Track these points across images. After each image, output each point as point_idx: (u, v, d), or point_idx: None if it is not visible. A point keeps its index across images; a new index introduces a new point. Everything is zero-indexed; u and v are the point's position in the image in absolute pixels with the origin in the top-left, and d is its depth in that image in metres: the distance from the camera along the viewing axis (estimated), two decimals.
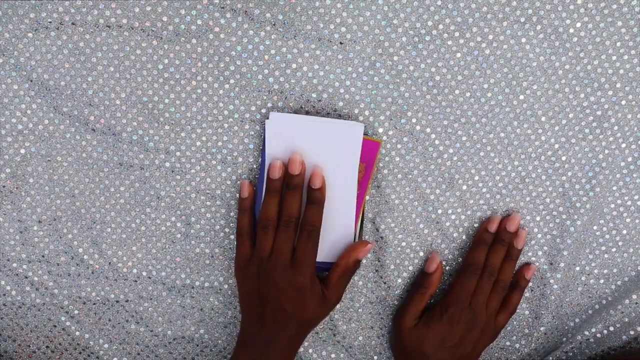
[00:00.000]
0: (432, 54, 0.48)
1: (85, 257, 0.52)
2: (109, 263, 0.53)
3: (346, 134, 0.47)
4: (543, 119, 0.50)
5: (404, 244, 0.53)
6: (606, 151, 0.51)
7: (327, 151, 0.47)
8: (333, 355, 0.56)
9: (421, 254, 0.53)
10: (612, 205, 0.52)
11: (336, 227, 0.49)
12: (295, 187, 0.46)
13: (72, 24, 0.47)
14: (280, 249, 0.45)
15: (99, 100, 0.49)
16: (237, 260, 0.48)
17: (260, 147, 0.50)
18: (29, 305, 0.53)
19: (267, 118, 0.49)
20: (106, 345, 0.55)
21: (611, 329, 0.54)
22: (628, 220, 0.53)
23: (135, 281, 0.53)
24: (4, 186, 0.50)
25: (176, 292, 0.54)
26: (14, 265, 0.52)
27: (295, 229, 0.46)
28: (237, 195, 0.51)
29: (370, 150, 0.48)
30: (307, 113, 0.49)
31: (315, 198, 0.46)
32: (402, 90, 0.49)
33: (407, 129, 0.50)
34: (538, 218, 0.52)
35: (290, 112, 0.49)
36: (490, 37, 0.48)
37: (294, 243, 0.46)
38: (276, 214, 0.46)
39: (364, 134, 0.49)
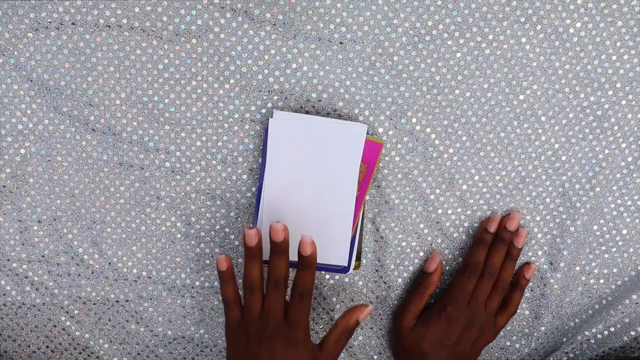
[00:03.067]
0: (432, 54, 0.48)
1: (85, 257, 0.52)
2: (109, 263, 0.53)
3: (349, 135, 0.47)
4: (543, 119, 0.50)
5: (404, 244, 0.53)
6: (606, 151, 0.51)
7: (329, 151, 0.47)
8: None
9: (421, 254, 0.53)
10: (612, 205, 0.52)
11: (334, 228, 0.49)
12: (282, 252, 0.44)
13: (72, 24, 0.47)
14: (272, 307, 0.45)
15: (99, 100, 0.49)
16: (227, 325, 0.47)
17: (261, 147, 0.50)
18: (29, 305, 0.53)
19: (270, 117, 0.49)
20: (106, 345, 0.55)
21: (612, 329, 0.54)
22: (628, 220, 0.53)
23: (135, 281, 0.53)
24: (4, 186, 0.50)
25: (176, 292, 0.54)
26: (14, 265, 0.52)
27: (285, 286, 0.45)
28: (237, 196, 0.51)
29: (372, 152, 0.48)
30: (307, 113, 0.49)
31: (306, 263, 0.44)
32: (402, 90, 0.49)
33: (407, 129, 0.50)
34: (538, 218, 0.52)
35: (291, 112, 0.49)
36: (490, 37, 0.48)
37: (285, 301, 0.46)
38: (260, 275, 0.46)
39: (367, 135, 0.49)
